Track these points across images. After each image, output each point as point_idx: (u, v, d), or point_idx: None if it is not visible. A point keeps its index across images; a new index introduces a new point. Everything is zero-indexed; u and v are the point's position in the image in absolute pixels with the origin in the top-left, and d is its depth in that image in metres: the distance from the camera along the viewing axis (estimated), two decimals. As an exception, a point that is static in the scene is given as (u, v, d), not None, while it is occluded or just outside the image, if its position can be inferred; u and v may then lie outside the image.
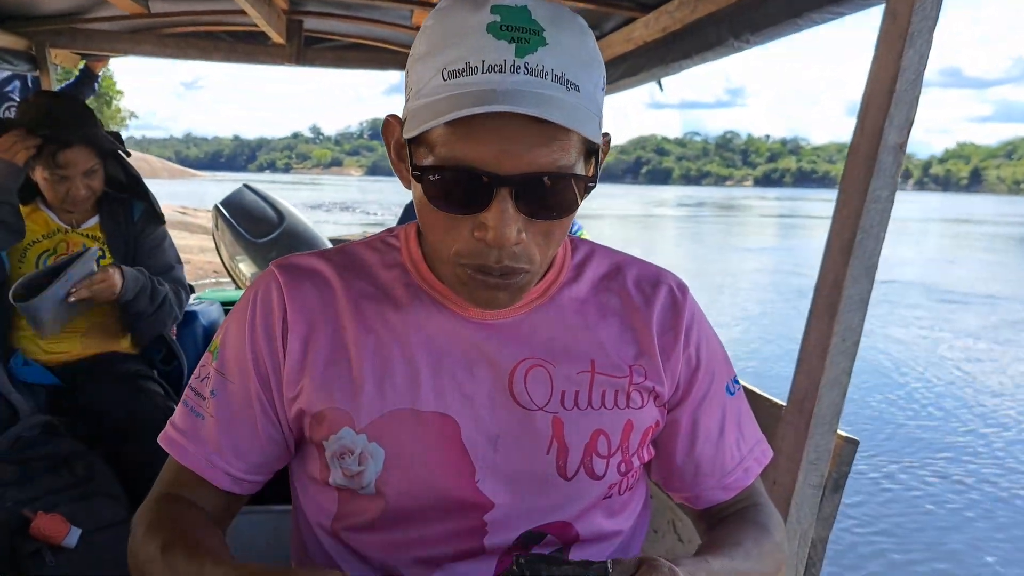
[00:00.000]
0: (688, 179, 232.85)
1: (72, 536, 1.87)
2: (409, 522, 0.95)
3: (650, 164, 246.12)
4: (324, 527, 1.00)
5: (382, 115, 0.94)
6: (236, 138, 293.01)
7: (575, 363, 0.96)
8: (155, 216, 2.56)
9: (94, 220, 2.48)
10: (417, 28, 2.73)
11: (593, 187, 0.87)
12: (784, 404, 1.39)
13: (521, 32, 0.79)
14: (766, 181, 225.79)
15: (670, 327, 1.01)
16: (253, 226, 4.19)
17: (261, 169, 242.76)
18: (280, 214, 4.28)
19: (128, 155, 2.56)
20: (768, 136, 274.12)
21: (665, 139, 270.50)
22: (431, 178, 0.83)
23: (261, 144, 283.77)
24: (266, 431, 0.97)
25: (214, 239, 4.53)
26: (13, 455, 1.97)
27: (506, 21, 0.79)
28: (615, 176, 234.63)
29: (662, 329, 1.00)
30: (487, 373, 0.94)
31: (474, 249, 0.85)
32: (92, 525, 1.91)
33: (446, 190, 0.83)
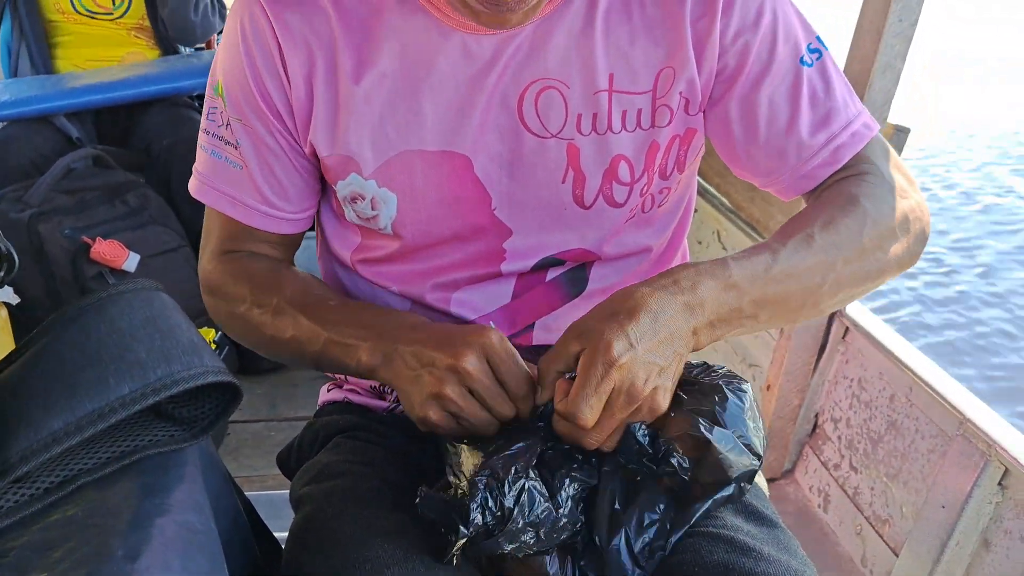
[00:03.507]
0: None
1: (131, 261, 1.93)
2: (428, 254, 0.92)
3: None
4: (346, 260, 0.98)
5: None
6: None
7: (592, 81, 0.84)
8: None
9: None
10: None
11: None
12: None
13: None
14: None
15: (708, 2, 0.82)
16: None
17: None
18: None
19: None
20: None
21: None
22: None
23: None
24: (301, 165, 0.92)
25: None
26: (66, 185, 2.00)
27: None
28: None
29: (699, 12, 0.83)
30: (495, 100, 0.84)
31: None
32: (148, 252, 1.97)
33: None
